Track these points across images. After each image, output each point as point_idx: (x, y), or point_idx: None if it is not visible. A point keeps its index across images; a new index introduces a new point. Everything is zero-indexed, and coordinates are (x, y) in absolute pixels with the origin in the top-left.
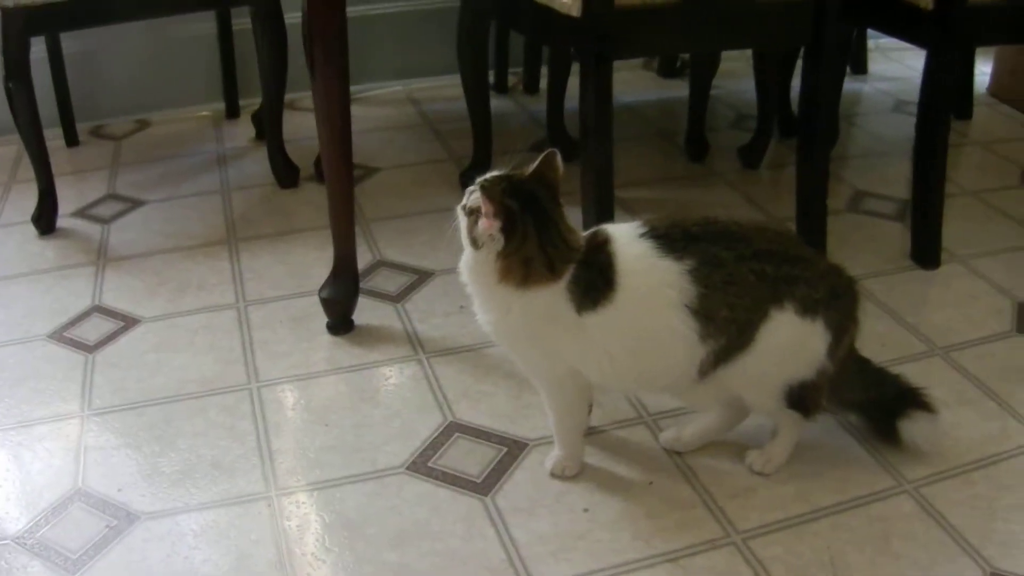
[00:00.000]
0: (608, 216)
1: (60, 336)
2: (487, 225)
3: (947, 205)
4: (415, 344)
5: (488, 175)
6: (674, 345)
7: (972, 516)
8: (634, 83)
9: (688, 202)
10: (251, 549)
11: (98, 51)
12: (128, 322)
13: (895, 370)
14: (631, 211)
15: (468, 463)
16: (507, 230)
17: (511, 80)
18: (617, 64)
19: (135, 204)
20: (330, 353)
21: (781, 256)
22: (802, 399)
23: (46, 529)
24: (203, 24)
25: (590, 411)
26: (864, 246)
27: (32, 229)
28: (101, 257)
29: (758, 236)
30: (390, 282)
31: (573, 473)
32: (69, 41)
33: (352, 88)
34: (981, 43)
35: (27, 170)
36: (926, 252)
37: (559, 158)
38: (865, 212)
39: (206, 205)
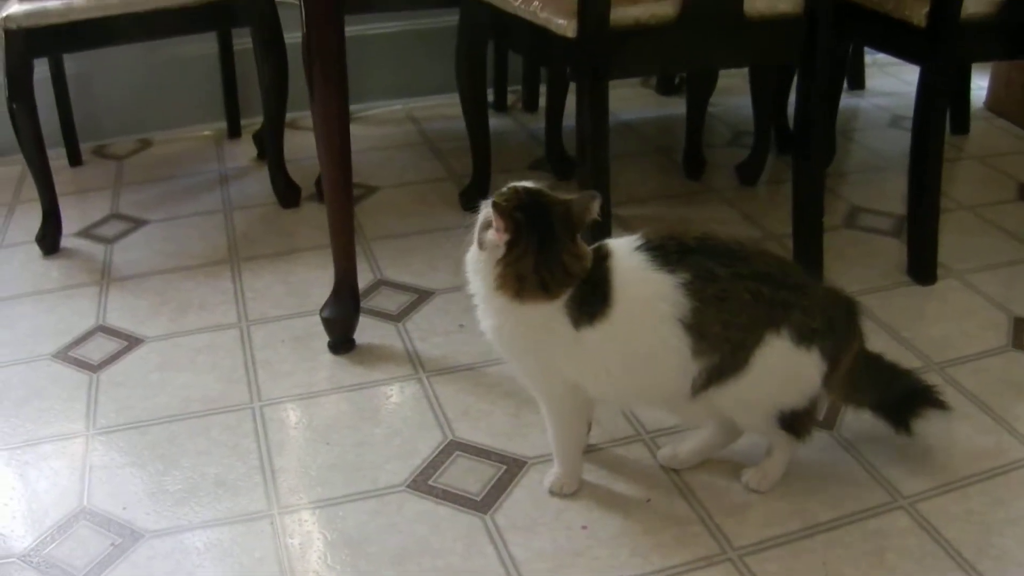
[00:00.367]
0: (605, 233)
1: (65, 356)
2: (496, 237)
3: (943, 220)
4: (415, 363)
5: (520, 184)
6: (667, 360)
7: (967, 531)
8: (632, 100)
9: (685, 219)
10: (254, 567)
11: (100, 71)
12: (132, 342)
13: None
14: (628, 228)
15: (468, 481)
16: (510, 241)
17: (510, 98)
18: (615, 81)
19: (138, 224)
20: (331, 372)
21: (779, 281)
22: (793, 423)
23: (52, 547)
24: (204, 44)
25: (589, 429)
26: (860, 261)
27: (36, 249)
28: (105, 277)
29: (758, 258)
30: (390, 301)
31: (571, 491)
32: (72, 62)
33: (352, 107)
34: (974, 59)
35: (31, 190)
36: (922, 267)
37: (597, 203)
38: (862, 228)
39: (208, 224)
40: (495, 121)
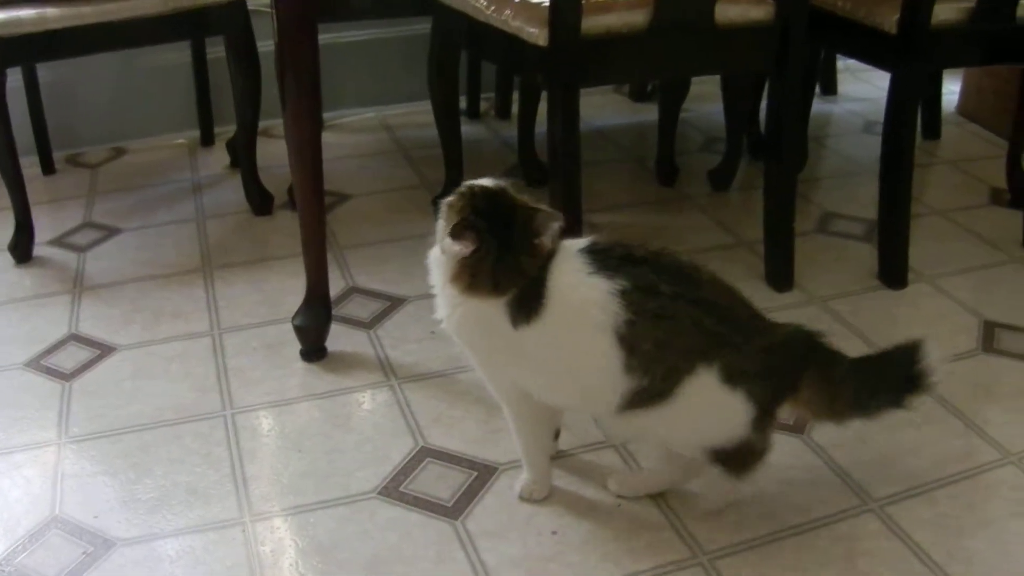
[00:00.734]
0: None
1: (37, 364)
2: (458, 250)
3: (915, 225)
4: (387, 370)
5: (483, 182)
6: (597, 369)
7: (937, 535)
8: (605, 107)
9: (658, 226)
10: (227, 574)
11: (74, 80)
12: (104, 350)
13: None
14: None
15: (439, 487)
16: (471, 248)
17: (483, 106)
18: (589, 89)
19: (111, 232)
20: (303, 380)
21: (723, 314)
22: (726, 461)
23: (23, 556)
24: (178, 53)
25: (558, 435)
26: (832, 267)
27: (8, 258)
28: (77, 285)
29: (710, 286)
30: (363, 309)
31: (541, 496)
32: (45, 70)
33: (325, 115)
34: (944, 66)
35: (3, 198)
36: (893, 272)
37: (555, 226)
38: (833, 233)
39: (181, 233)
40: (468, 128)
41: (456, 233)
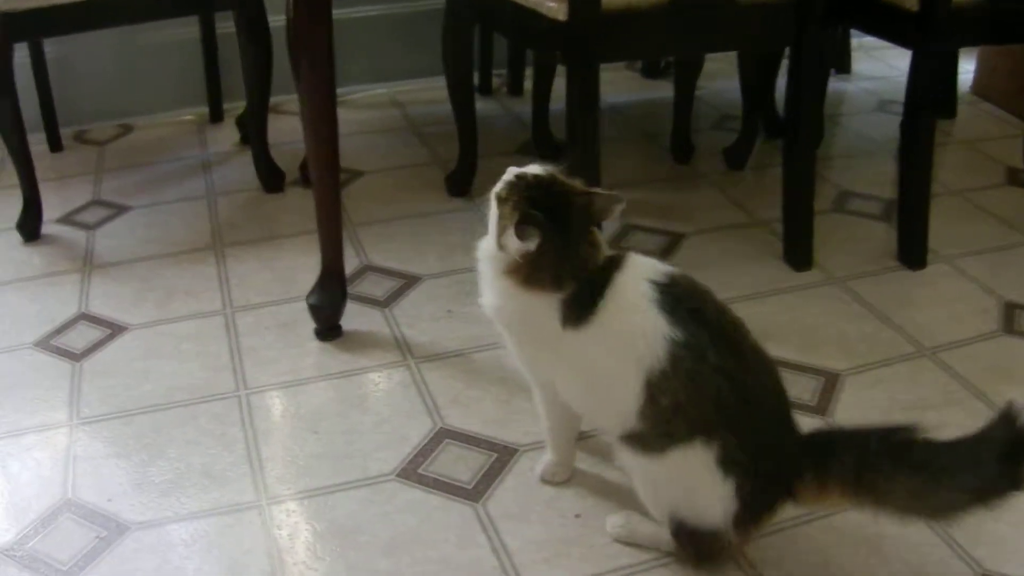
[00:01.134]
0: None
1: (47, 344)
2: (520, 248)
3: (932, 205)
4: (403, 349)
5: (532, 170)
6: (615, 396)
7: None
8: (618, 84)
9: (673, 204)
10: (243, 558)
11: (81, 56)
12: (115, 330)
13: (889, 372)
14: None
15: (458, 469)
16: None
17: (495, 82)
18: (601, 65)
19: (120, 210)
20: (318, 359)
21: (745, 395)
22: (688, 540)
23: (35, 540)
24: (186, 28)
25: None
26: (849, 246)
27: (16, 236)
28: (87, 264)
29: (752, 360)
30: (377, 287)
31: (563, 479)
32: (52, 46)
33: (337, 91)
34: (965, 44)
35: (10, 176)
36: (912, 252)
37: (620, 208)
38: (850, 212)
39: (191, 210)
40: (480, 105)
41: (520, 232)
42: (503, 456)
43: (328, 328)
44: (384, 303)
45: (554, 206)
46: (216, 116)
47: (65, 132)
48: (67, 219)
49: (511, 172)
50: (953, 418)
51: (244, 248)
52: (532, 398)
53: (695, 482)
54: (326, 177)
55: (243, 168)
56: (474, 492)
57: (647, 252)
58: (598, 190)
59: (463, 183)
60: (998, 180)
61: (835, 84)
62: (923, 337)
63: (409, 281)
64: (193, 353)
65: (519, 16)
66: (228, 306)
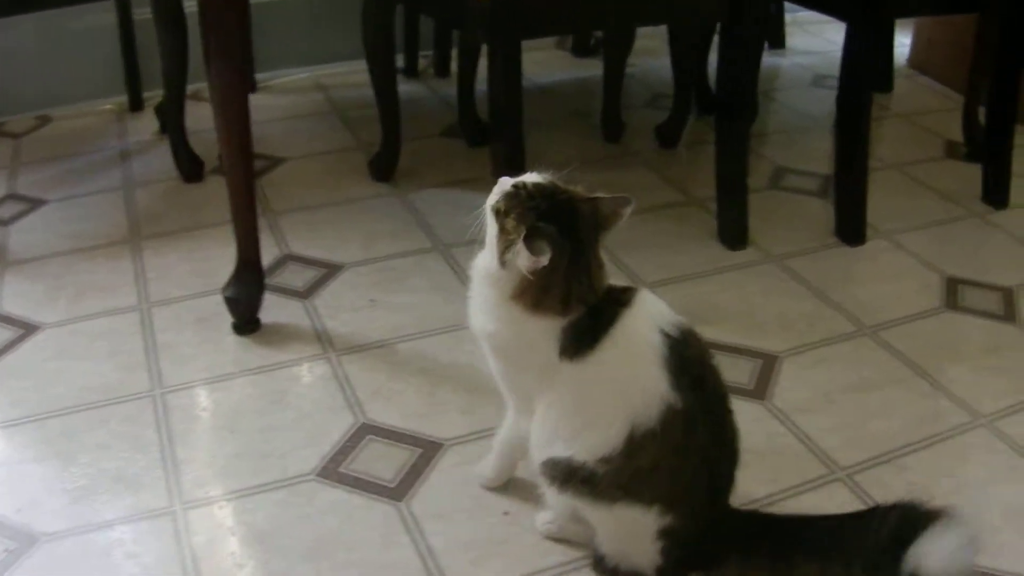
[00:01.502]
0: None
1: None
2: (531, 265)
3: (870, 179)
4: (324, 341)
5: (530, 179)
6: (594, 435)
7: None
8: (548, 63)
9: (605, 183)
10: (157, 568)
11: None
12: (27, 329)
13: (829, 352)
14: None
15: (381, 467)
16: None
17: (422, 64)
18: (530, 44)
19: (35, 204)
20: (236, 354)
21: (719, 488)
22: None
23: None
24: (103, 15)
25: None
26: (787, 223)
27: None
28: (1, 261)
29: (731, 453)
30: (298, 277)
31: (495, 486)
32: None
33: (258, 76)
34: (902, 15)
35: None
36: (850, 228)
37: (629, 209)
38: (787, 189)
39: (109, 203)
40: (406, 87)
41: (531, 247)
42: (427, 451)
43: (246, 322)
44: (305, 294)
45: (560, 216)
46: (136, 105)
47: None
48: None
49: (506, 182)
50: (897, 398)
51: (163, 240)
52: (460, 393)
53: (628, 536)
54: (238, 165)
55: (163, 158)
56: (397, 491)
57: None
58: (601, 194)
59: (387, 168)
60: (937, 153)
61: (769, 59)
62: (864, 315)
63: (331, 270)
64: (107, 352)
65: None
66: (144, 301)
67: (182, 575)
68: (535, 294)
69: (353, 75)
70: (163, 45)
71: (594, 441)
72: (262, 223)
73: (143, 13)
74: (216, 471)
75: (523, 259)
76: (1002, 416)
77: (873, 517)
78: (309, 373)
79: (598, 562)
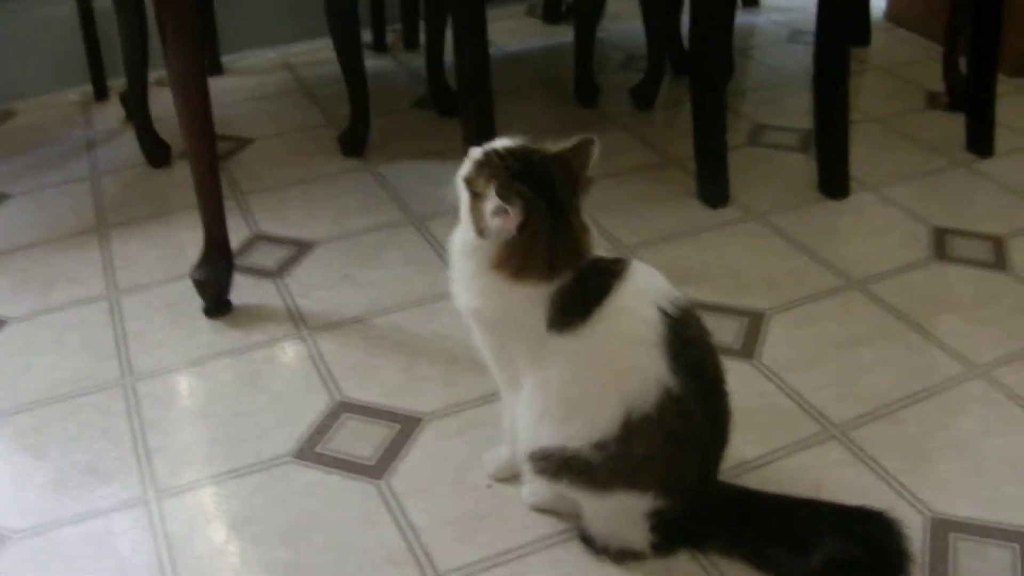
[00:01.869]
0: None
1: None
2: (504, 224)
3: (852, 132)
4: (297, 320)
5: (500, 144)
6: (586, 415)
7: (907, 458)
8: (518, 31)
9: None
10: (133, 558)
11: None
12: None
13: (817, 308)
14: None
15: (359, 445)
16: (520, 223)
17: (390, 37)
18: (500, 12)
19: (0, 198)
20: (208, 338)
21: (710, 475)
22: (600, 550)
23: None
24: (62, 6)
25: None
26: (768, 180)
27: None
28: None
29: (723, 436)
30: (268, 257)
31: (505, 476)
32: None
33: (224, 58)
34: None
35: None
36: (833, 181)
37: (596, 148)
38: (766, 145)
39: (75, 193)
40: (375, 62)
41: (502, 204)
42: (406, 427)
43: (216, 304)
44: (276, 273)
45: (534, 177)
46: (101, 94)
47: None
48: None
49: (476, 151)
50: (889, 352)
51: (130, 228)
52: (439, 368)
53: (621, 518)
54: (200, 145)
55: (129, 145)
56: (376, 468)
57: None
58: (569, 143)
59: (357, 142)
60: (918, 104)
61: (744, 17)
62: (851, 269)
63: (302, 248)
64: (76, 343)
65: None
66: (113, 290)
67: (158, 565)
68: (518, 261)
69: (320, 52)
70: (123, 32)
71: (587, 425)
72: (231, 204)
73: (104, 1)
74: (190, 458)
75: (497, 219)
76: (998, 366)
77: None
78: (283, 353)
79: (588, 540)
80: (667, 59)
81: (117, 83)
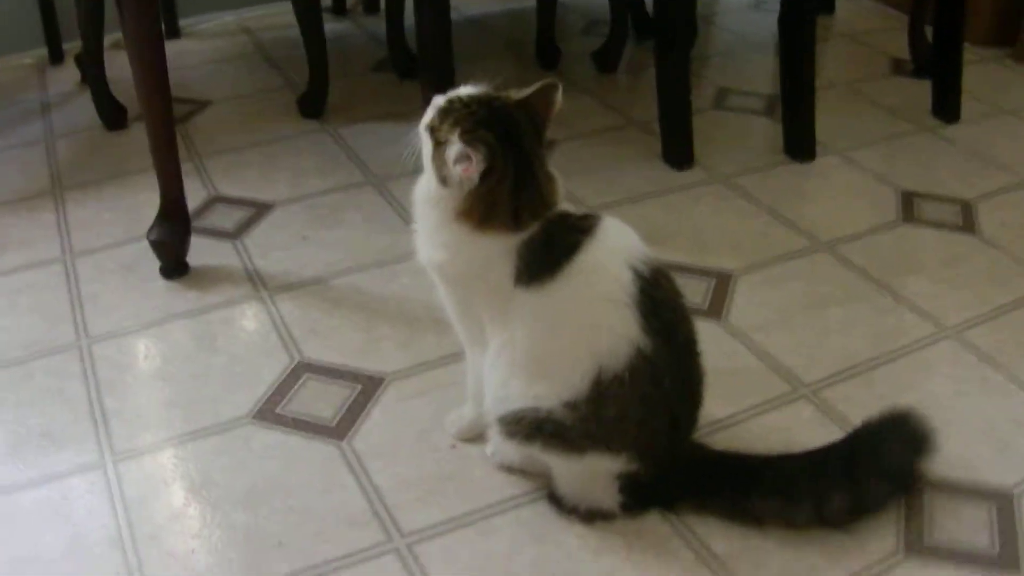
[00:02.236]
0: None
1: None
2: (466, 171)
3: (818, 98)
4: (256, 281)
5: (463, 92)
6: (555, 374)
7: None
8: None
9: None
10: (88, 523)
11: None
12: None
13: (784, 269)
14: None
15: (320, 406)
16: (484, 170)
17: (350, 1)
18: None
19: None
20: (165, 299)
21: (680, 437)
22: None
23: None
24: None
25: None
26: (733, 143)
27: None
28: None
29: (695, 399)
30: (226, 218)
31: (471, 436)
32: None
33: (182, 22)
34: None
35: None
36: (799, 144)
37: (559, 93)
38: (731, 109)
39: (29, 156)
40: (335, 25)
41: (462, 155)
42: (368, 387)
43: (173, 265)
44: (234, 234)
45: (498, 124)
46: (56, 57)
47: None
48: None
49: (439, 99)
50: (858, 313)
51: (85, 191)
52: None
53: (592, 480)
54: (155, 104)
55: (85, 108)
56: (338, 429)
57: None
58: (530, 88)
59: (316, 104)
60: (883, 71)
61: None
62: (819, 231)
63: (260, 210)
64: (29, 307)
65: None
66: (67, 252)
67: (115, 530)
68: (482, 210)
69: (279, 16)
70: None
71: (557, 384)
72: (188, 167)
73: None
74: (147, 421)
75: (460, 166)
76: (969, 327)
77: (828, 453)
78: (241, 315)
79: (556, 500)
80: (630, 23)
81: (73, 46)
